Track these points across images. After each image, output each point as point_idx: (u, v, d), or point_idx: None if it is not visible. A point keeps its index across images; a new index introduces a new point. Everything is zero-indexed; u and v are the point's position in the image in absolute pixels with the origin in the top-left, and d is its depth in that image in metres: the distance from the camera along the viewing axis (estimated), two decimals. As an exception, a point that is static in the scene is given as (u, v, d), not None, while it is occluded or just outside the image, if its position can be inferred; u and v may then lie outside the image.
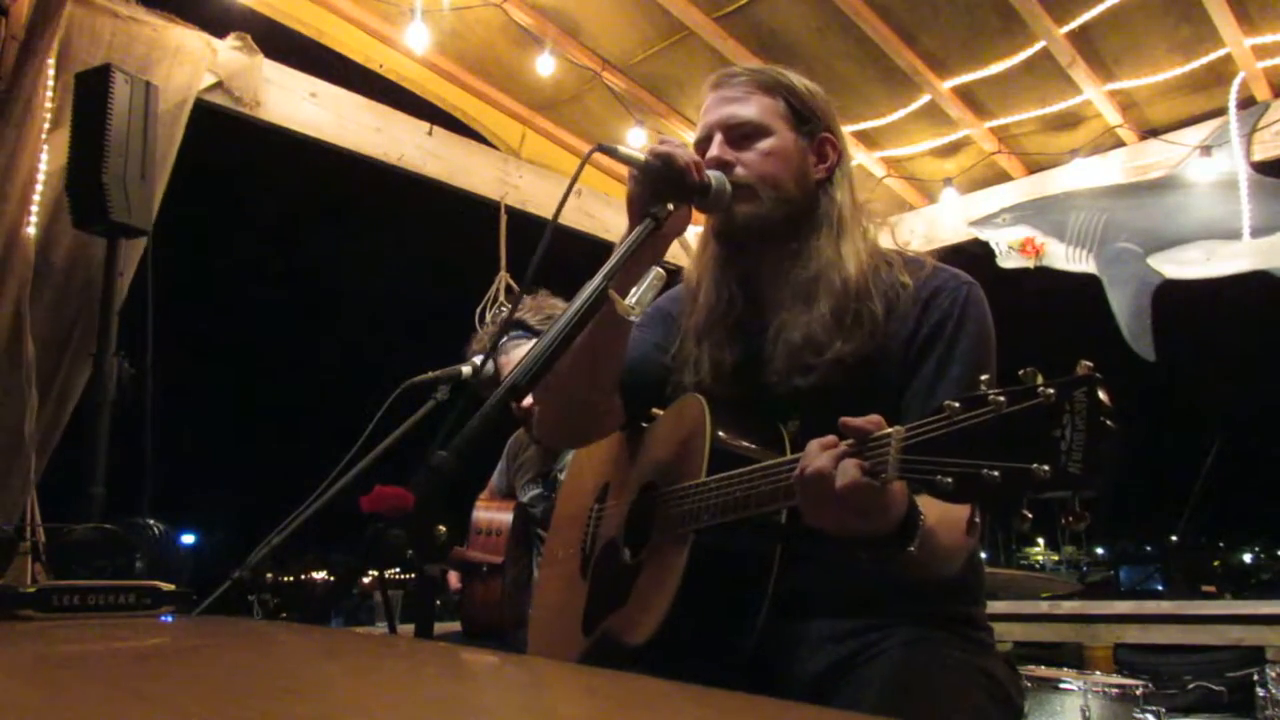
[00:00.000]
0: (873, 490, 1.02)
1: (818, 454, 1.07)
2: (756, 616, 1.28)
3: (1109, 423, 0.85)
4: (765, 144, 1.45)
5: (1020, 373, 0.91)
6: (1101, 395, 0.86)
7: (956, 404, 0.94)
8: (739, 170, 1.44)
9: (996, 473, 0.89)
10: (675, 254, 5.26)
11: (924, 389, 1.35)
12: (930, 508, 1.13)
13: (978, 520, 0.93)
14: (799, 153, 1.47)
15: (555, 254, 1.41)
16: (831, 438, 1.08)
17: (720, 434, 1.36)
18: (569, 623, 1.58)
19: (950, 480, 0.93)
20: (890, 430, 1.02)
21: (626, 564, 1.47)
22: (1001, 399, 0.91)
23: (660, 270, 1.43)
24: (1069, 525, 0.88)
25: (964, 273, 1.46)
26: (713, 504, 1.29)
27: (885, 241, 1.52)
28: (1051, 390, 0.88)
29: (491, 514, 2.82)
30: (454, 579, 2.80)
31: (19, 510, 2.69)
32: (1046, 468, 0.86)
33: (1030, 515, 0.90)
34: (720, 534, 1.29)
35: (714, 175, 1.41)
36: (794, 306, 1.42)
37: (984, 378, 0.94)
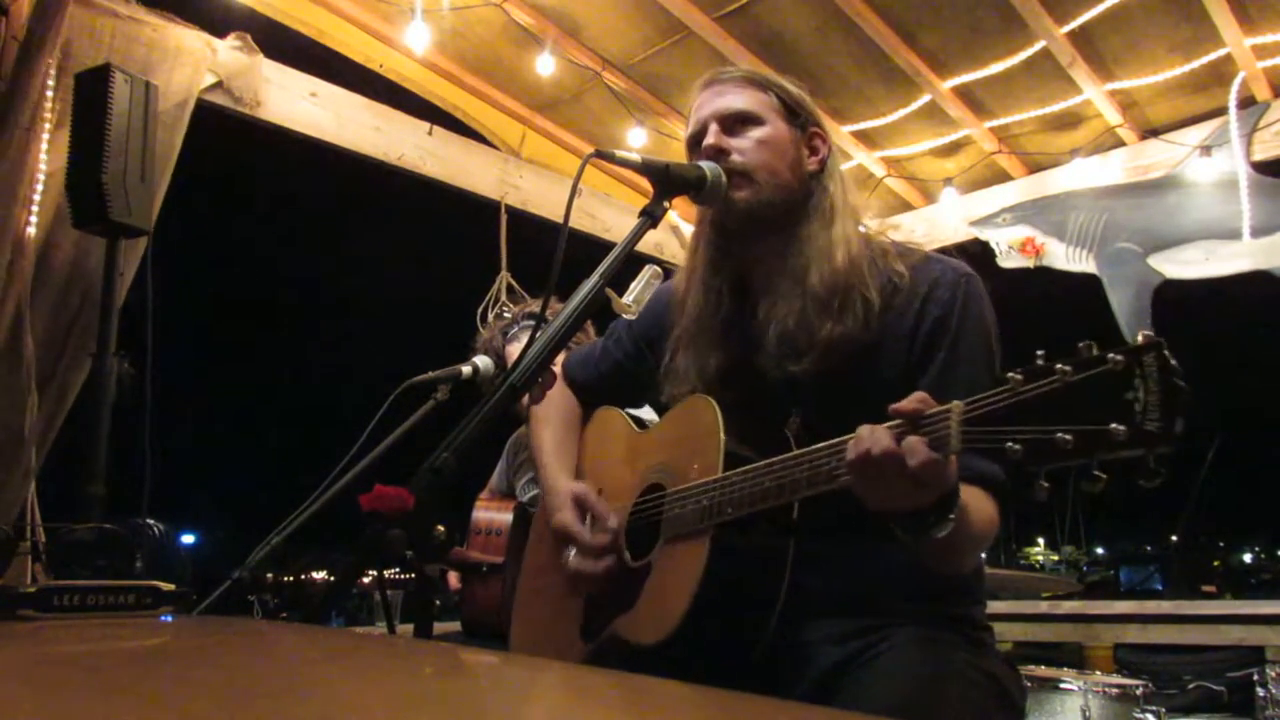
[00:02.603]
0: (939, 464, 1.06)
1: (875, 435, 1.09)
2: (771, 614, 1.29)
3: (1180, 383, 0.88)
4: (759, 132, 1.47)
5: (1079, 345, 0.94)
6: (1170, 358, 0.89)
7: (1019, 375, 0.97)
8: (735, 157, 1.45)
9: (1069, 436, 0.92)
10: (675, 253, 5.26)
11: (932, 387, 1.34)
12: (966, 493, 1.15)
13: (1046, 484, 0.96)
14: (792, 143, 1.49)
15: (551, 254, 1.41)
16: (879, 425, 1.10)
17: (727, 435, 1.37)
18: (565, 632, 1.57)
19: (1020, 446, 0.96)
20: (949, 405, 1.05)
21: (631, 567, 1.46)
22: (1067, 369, 0.94)
23: (656, 268, 1.43)
24: (1146, 484, 0.91)
25: (961, 263, 1.46)
26: (737, 496, 1.29)
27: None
28: (1120, 357, 0.90)
29: (491, 514, 2.82)
30: (453, 579, 2.80)
31: (17, 507, 2.69)
32: (1123, 427, 0.89)
33: (1105, 476, 0.92)
34: (737, 532, 1.29)
35: (708, 166, 1.42)
36: (786, 293, 1.43)
37: (1040, 352, 0.96)
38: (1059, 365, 0.94)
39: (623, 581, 1.46)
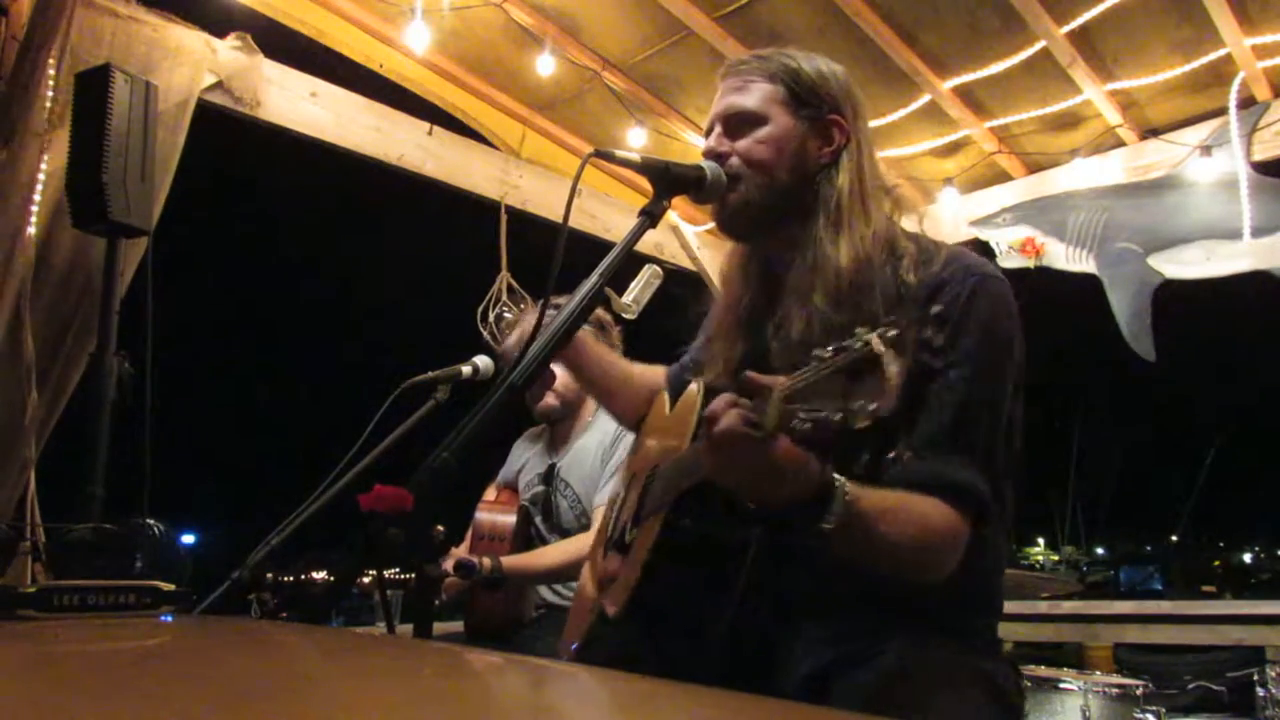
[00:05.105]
0: (750, 440, 1.06)
1: (718, 399, 1.11)
2: (728, 599, 1.31)
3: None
4: (760, 132, 1.46)
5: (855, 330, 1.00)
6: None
7: (828, 351, 1.01)
8: (732, 160, 1.45)
9: (839, 415, 0.97)
10: (675, 253, 5.23)
11: (925, 392, 1.30)
12: (882, 497, 1.16)
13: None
14: (797, 138, 1.46)
15: (551, 254, 1.41)
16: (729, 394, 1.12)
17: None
18: (585, 603, 1.72)
19: (809, 425, 1.00)
20: (774, 380, 1.06)
21: (626, 544, 1.56)
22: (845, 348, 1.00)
23: (656, 269, 1.44)
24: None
25: (979, 261, 1.40)
26: (683, 471, 1.35)
27: (908, 224, 1.52)
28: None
29: (495, 516, 2.81)
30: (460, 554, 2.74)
31: (14, 503, 2.69)
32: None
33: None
34: (691, 511, 1.33)
35: (709, 166, 1.43)
36: (793, 300, 1.41)
37: (860, 329, 1.00)
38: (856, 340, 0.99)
39: (619, 557, 1.57)
